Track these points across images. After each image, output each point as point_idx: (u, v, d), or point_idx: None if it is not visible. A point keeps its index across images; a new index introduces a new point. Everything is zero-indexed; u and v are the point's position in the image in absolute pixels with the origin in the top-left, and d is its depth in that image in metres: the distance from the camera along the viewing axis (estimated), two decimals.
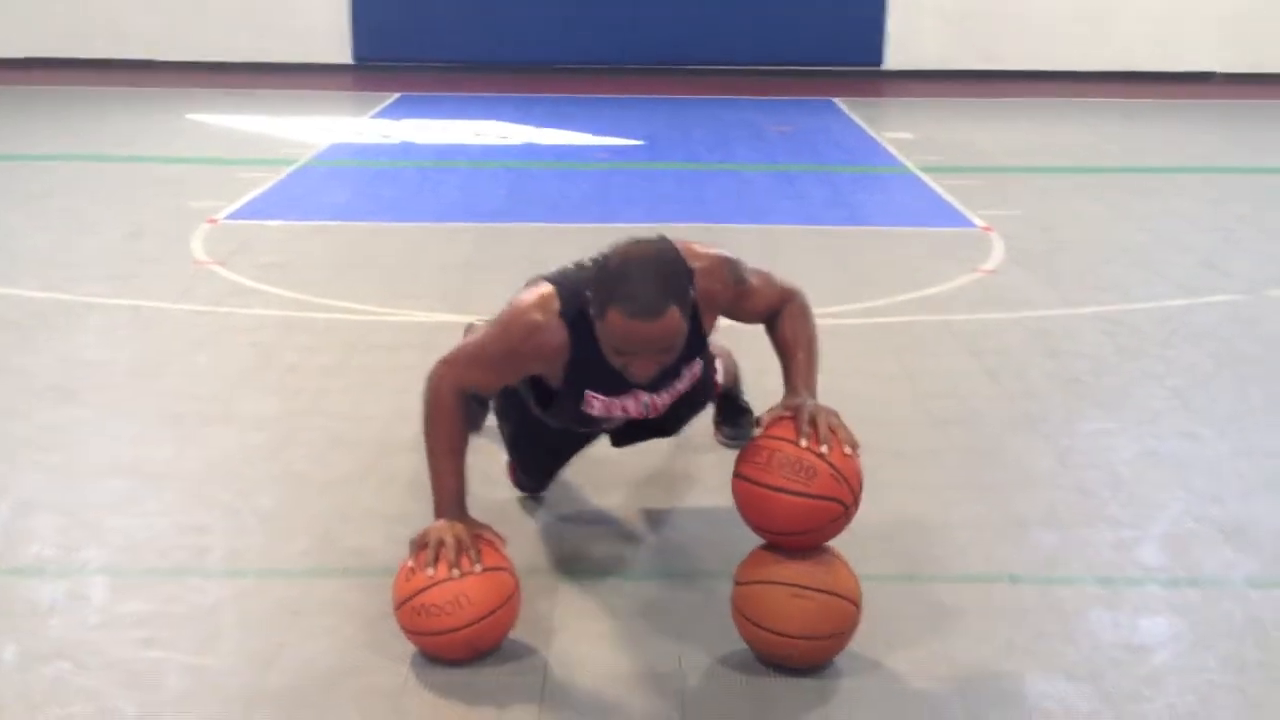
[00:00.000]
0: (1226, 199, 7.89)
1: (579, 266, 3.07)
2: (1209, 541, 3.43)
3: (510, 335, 2.94)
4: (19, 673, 2.78)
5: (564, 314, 2.91)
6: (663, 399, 3.11)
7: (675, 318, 2.73)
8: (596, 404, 3.07)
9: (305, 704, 2.69)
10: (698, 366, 3.13)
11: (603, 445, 3.51)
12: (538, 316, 2.92)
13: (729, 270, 3.03)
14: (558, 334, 2.92)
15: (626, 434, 3.47)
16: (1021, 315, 5.42)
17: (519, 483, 3.61)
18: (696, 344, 3.01)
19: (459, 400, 2.95)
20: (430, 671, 2.80)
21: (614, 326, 2.73)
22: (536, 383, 3.13)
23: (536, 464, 3.52)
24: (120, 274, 5.88)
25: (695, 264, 2.92)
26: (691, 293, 2.82)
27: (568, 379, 3.01)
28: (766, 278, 3.13)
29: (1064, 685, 2.78)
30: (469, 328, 4.22)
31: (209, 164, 8.68)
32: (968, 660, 2.87)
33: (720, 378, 3.70)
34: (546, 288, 2.98)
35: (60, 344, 4.90)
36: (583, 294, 2.87)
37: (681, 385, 3.11)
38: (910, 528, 3.48)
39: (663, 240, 2.88)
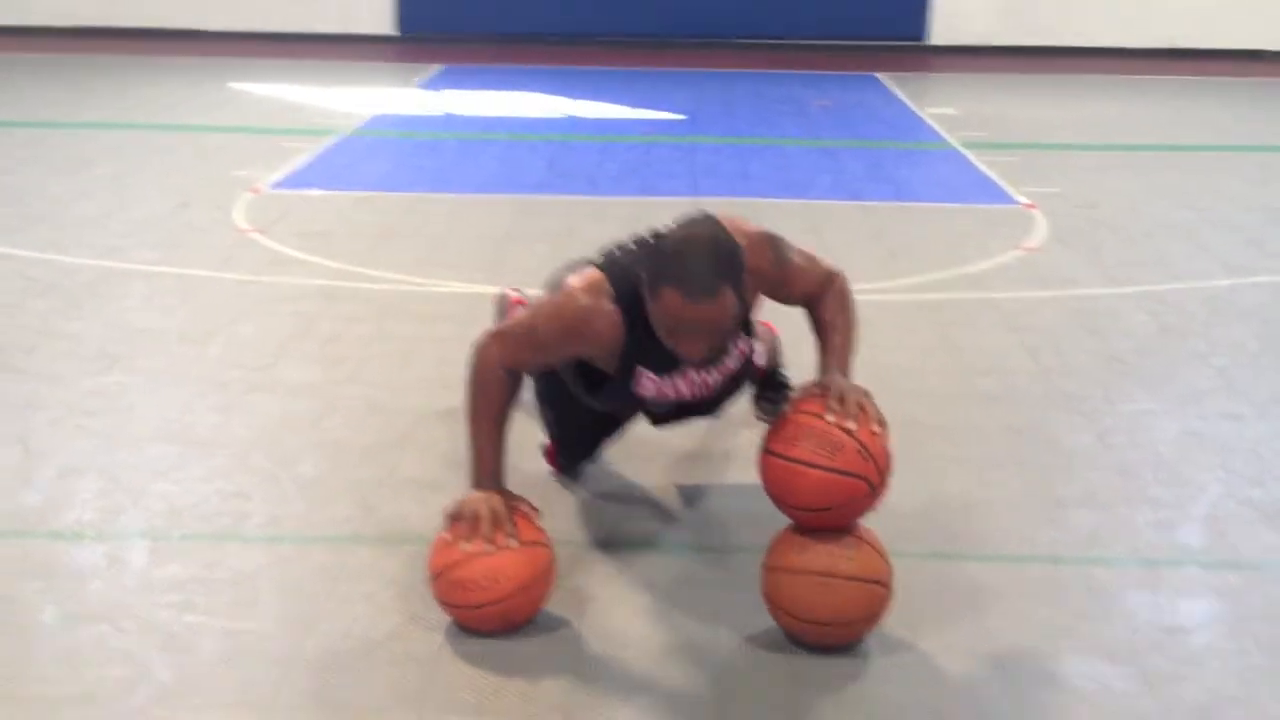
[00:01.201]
0: (1273, 178, 7.79)
1: (621, 249, 3.07)
2: (1250, 524, 3.40)
3: (564, 321, 2.94)
4: (58, 634, 2.81)
5: (616, 298, 2.91)
6: (713, 377, 3.10)
7: (729, 298, 2.74)
8: (649, 385, 3.07)
9: (341, 670, 2.71)
10: (744, 343, 3.12)
11: (640, 423, 3.50)
12: (592, 303, 2.92)
13: (773, 249, 3.04)
14: (611, 319, 2.92)
15: (668, 414, 3.46)
16: (1064, 293, 5.37)
17: (558, 465, 3.60)
18: (744, 321, 3.01)
19: (506, 376, 2.95)
20: (465, 641, 2.81)
21: (669, 306, 2.74)
22: (586, 370, 3.12)
23: (578, 446, 3.50)
24: (165, 242, 5.92)
25: (741, 241, 2.92)
26: (744, 274, 2.82)
27: (623, 362, 3.01)
28: (810, 259, 3.12)
29: (1103, 666, 2.76)
30: (500, 297, 4.23)
31: (252, 133, 8.71)
32: (1006, 640, 2.86)
33: (762, 360, 3.68)
34: (595, 273, 2.98)
35: (106, 310, 4.94)
36: (633, 276, 2.87)
37: (731, 363, 3.11)
38: (949, 505, 3.47)
39: (713, 220, 2.87)
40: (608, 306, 2.92)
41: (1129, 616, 2.95)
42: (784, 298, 3.15)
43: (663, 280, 2.73)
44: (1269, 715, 2.62)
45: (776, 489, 2.81)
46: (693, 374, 3.08)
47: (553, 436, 3.54)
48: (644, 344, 2.92)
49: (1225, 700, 2.66)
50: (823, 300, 3.09)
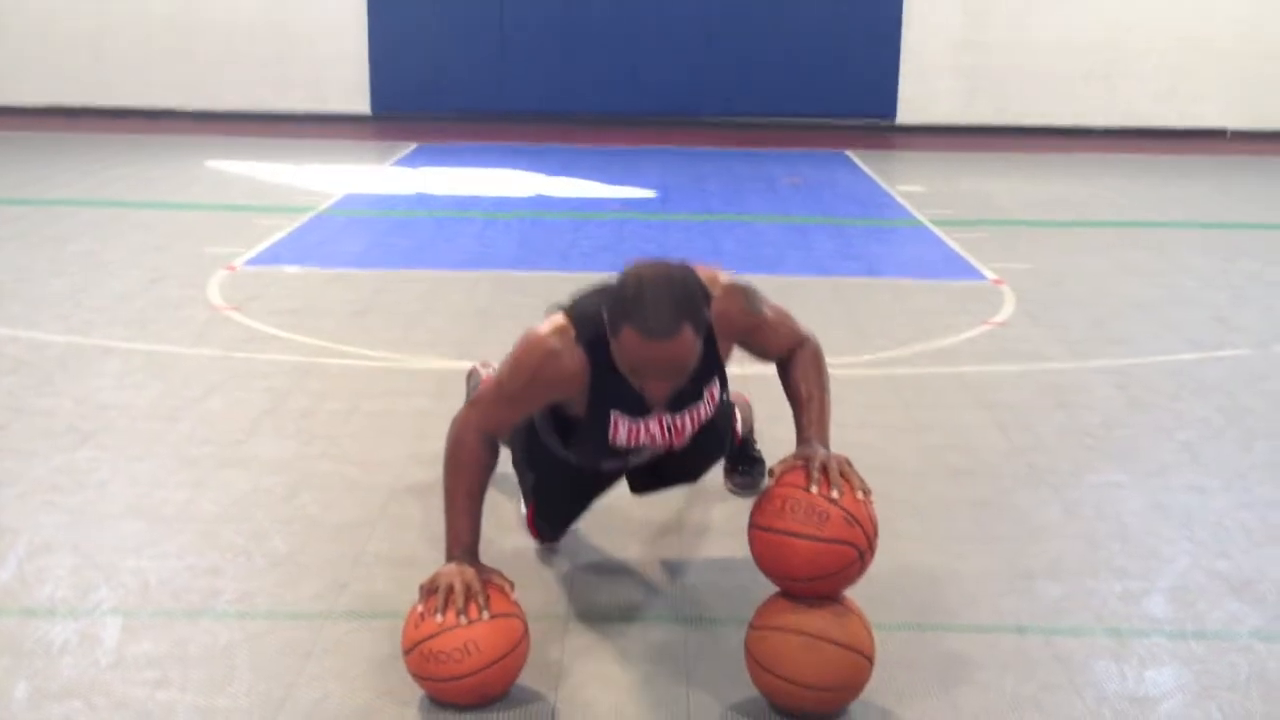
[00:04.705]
0: (1237, 255, 7.91)
1: (587, 292, 3.13)
2: (1215, 594, 3.44)
3: (530, 368, 2.99)
4: (30, 711, 2.80)
5: (580, 338, 2.97)
6: (685, 422, 3.14)
7: (689, 337, 2.78)
8: (622, 428, 3.10)
9: None
10: (716, 389, 3.16)
11: (617, 492, 3.53)
12: (554, 343, 2.98)
13: (745, 299, 3.12)
14: (576, 358, 2.98)
15: (647, 479, 3.50)
16: (1031, 368, 5.44)
17: (538, 533, 3.61)
18: (714, 366, 3.08)
19: (483, 444, 2.99)
20: (438, 715, 2.81)
21: (629, 346, 2.79)
22: (559, 419, 3.15)
23: (558, 511, 3.51)
24: (138, 318, 5.94)
25: (713, 289, 3.00)
26: (706, 313, 2.88)
27: (592, 403, 3.06)
28: (783, 316, 3.21)
29: None
30: (470, 373, 4.27)
31: (228, 211, 8.76)
32: (974, 711, 2.87)
33: (739, 427, 3.72)
34: (559, 316, 3.05)
35: (77, 387, 4.94)
36: (598, 316, 2.92)
37: (703, 409, 3.15)
38: (919, 578, 3.49)
39: (679, 263, 2.92)
40: (573, 348, 2.98)
41: (1096, 686, 2.98)
42: (756, 350, 3.21)
43: (622, 320, 2.79)
44: None
45: (767, 562, 2.84)
46: (665, 417, 3.11)
47: (531, 501, 3.54)
48: (613, 385, 2.97)
49: None
50: (794, 364, 3.15)
